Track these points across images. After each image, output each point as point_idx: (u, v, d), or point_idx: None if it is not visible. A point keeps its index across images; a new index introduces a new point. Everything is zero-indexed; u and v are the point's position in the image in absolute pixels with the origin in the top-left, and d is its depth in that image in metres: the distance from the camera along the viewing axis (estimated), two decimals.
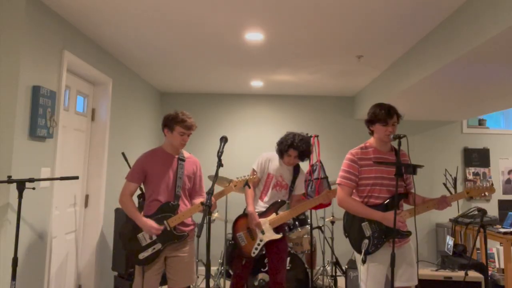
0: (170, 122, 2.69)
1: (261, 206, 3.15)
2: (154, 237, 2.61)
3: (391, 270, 2.20)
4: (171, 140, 2.71)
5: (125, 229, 2.67)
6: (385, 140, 2.48)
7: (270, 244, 3.08)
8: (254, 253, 3.05)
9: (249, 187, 3.12)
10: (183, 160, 2.77)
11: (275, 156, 3.24)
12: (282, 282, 3.04)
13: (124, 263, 3.54)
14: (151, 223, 2.58)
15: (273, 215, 3.06)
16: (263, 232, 3.04)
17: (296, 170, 3.26)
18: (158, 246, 2.61)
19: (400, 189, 2.47)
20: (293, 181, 3.22)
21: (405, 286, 2.44)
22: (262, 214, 3.09)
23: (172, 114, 2.71)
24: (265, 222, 3.05)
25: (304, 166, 3.48)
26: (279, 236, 3.03)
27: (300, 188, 3.26)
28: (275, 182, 3.19)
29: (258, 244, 3.05)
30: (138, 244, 2.62)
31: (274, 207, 3.09)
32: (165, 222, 2.62)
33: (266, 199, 3.16)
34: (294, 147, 3.09)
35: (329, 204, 3.50)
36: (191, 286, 4.33)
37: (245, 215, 3.13)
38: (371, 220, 2.45)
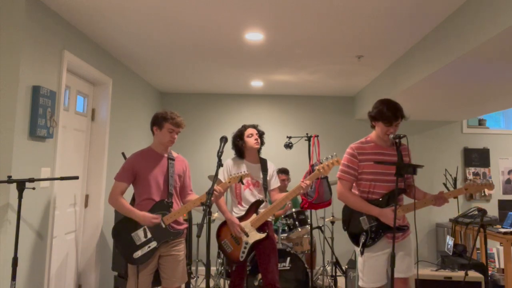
0: (159, 120, 2.73)
1: (241, 210, 3.12)
2: (149, 235, 2.62)
3: (391, 269, 2.20)
4: (161, 138, 2.74)
5: (118, 229, 2.67)
6: (384, 138, 2.49)
7: (257, 245, 3.05)
8: (242, 257, 3.02)
9: (243, 184, 3.11)
10: (173, 160, 2.80)
11: (237, 159, 3.23)
12: (274, 282, 2.98)
13: (124, 263, 3.54)
14: (148, 214, 2.60)
15: (254, 216, 3.03)
16: (247, 235, 3.01)
17: (264, 166, 3.22)
18: (154, 244, 2.61)
19: (400, 184, 2.46)
20: (265, 178, 3.18)
21: (402, 277, 2.45)
22: (243, 218, 3.06)
23: (161, 112, 2.75)
24: (246, 224, 3.02)
25: (304, 166, 3.47)
26: (263, 235, 3.00)
27: (274, 182, 3.22)
28: (245, 182, 3.16)
29: (245, 248, 3.01)
30: (133, 243, 2.62)
31: (252, 208, 3.06)
32: (160, 219, 2.63)
33: (243, 202, 3.13)
34: (249, 126, 3.20)
35: (329, 204, 3.50)
36: (191, 286, 4.33)
37: (225, 222, 3.11)
38: (370, 214, 2.46)
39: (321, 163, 2.90)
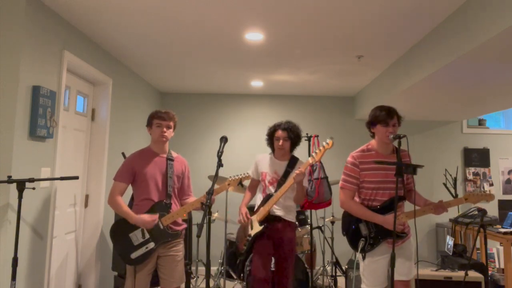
0: (148, 120, 2.78)
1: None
2: (147, 236, 2.62)
3: (391, 269, 2.21)
4: (153, 137, 2.75)
5: (116, 229, 2.67)
6: (386, 141, 2.49)
7: (277, 246, 3.00)
8: (243, 249, 3.05)
9: (242, 186, 3.15)
10: (172, 160, 2.78)
11: (268, 155, 3.19)
12: (287, 285, 2.97)
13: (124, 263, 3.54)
14: (144, 216, 2.60)
15: (261, 209, 3.02)
16: (251, 227, 3.02)
17: (292, 164, 3.09)
18: (151, 245, 2.61)
19: (400, 191, 2.47)
20: (285, 176, 3.05)
21: (403, 280, 2.47)
22: (253, 212, 3.08)
23: (151, 112, 2.81)
24: (254, 217, 3.03)
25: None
26: (260, 227, 2.95)
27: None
28: (269, 179, 3.08)
29: (247, 240, 3.02)
30: (131, 243, 2.62)
31: (261, 202, 3.04)
32: (158, 220, 2.63)
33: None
34: (282, 128, 3.06)
35: (329, 204, 3.50)
36: (191, 286, 4.33)
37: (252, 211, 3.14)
38: (371, 221, 2.48)
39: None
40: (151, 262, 2.64)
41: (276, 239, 3.01)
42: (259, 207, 3.04)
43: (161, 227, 2.63)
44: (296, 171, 2.80)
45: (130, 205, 2.88)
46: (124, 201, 2.69)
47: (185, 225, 2.81)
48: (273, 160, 3.13)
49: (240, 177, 2.72)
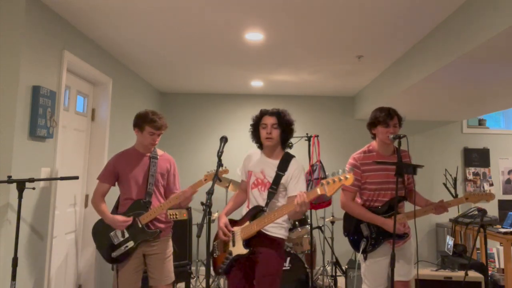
0: (140, 122, 2.69)
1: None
2: (126, 235, 2.63)
3: (391, 270, 2.22)
4: (142, 140, 2.72)
5: (97, 229, 2.71)
6: (386, 141, 2.50)
7: (256, 265, 2.36)
8: (221, 268, 2.42)
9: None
10: (156, 158, 2.78)
11: (257, 151, 2.62)
12: None
13: None
14: (117, 217, 2.61)
15: (247, 223, 2.39)
16: (233, 244, 2.42)
17: (284, 164, 2.42)
18: (131, 243, 2.63)
19: (401, 191, 2.48)
20: (277, 180, 2.40)
21: (403, 280, 2.49)
22: (236, 223, 2.48)
23: (142, 113, 2.70)
24: (237, 231, 2.41)
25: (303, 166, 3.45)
26: (245, 251, 2.32)
27: (293, 188, 2.36)
28: (254, 180, 2.48)
29: (226, 258, 2.41)
30: (111, 242, 2.65)
31: (248, 214, 2.43)
32: (137, 219, 2.64)
33: (251, 203, 2.49)
34: (270, 113, 2.48)
35: (329, 204, 3.50)
36: (191, 286, 4.32)
37: (234, 220, 2.53)
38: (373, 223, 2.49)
39: (325, 179, 2.10)
40: (135, 261, 2.65)
41: (254, 257, 2.38)
42: (244, 218, 2.46)
43: (139, 225, 2.63)
44: (299, 198, 2.11)
45: (117, 205, 2.88)
46: (112, 201, 2.72)
47: (166, 224, 2.79)
48: (262, 156, 2.54)
49: (214, 172, 2.47)
